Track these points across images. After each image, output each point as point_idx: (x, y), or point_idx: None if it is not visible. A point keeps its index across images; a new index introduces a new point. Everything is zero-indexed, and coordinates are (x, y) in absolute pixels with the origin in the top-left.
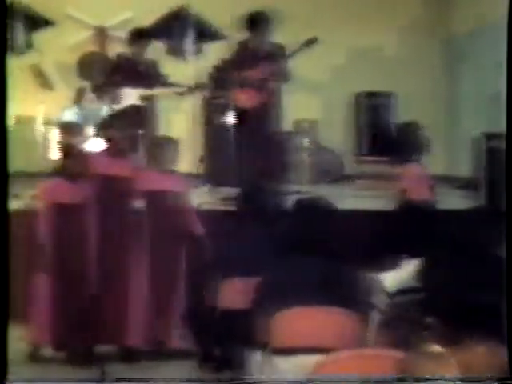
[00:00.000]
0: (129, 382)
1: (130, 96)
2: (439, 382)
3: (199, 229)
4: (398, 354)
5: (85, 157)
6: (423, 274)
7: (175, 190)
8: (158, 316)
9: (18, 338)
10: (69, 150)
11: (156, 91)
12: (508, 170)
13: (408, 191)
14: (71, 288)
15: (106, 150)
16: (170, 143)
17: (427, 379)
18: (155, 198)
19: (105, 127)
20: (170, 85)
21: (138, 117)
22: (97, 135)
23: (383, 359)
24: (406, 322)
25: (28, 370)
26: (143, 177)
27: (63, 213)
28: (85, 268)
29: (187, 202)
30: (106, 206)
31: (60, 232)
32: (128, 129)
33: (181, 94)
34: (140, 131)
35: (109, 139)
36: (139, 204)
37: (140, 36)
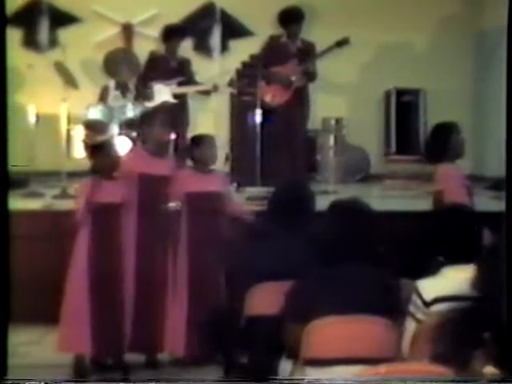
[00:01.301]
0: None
1: (163, 94)
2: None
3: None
4: (444, 371)
5: (118, 155)
6: (469, 282)
7: (216, 190)
8: (195, 323)
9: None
10: (100, 149)
11: (189, 89)
12: (508, 169)
13: (444, 193)
14: (108, 294)
15: (144, 148)
16: (208, 141)
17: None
18: (195, 199)
19: (142, 125)
20: (201, 83)
21: (173, 115)
22: (127, 133)
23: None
24: (453, 336)
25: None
26: (182, 177)
27: (103, 212)
28: (122, 273)
29: (228, 202)
30: (145, 206)
31: (99, 232)
32: (165, 127)
33: (210, 92)
34: (175, 130)
35: (145, 138)
36: (178, 205)
37: (173, 33)
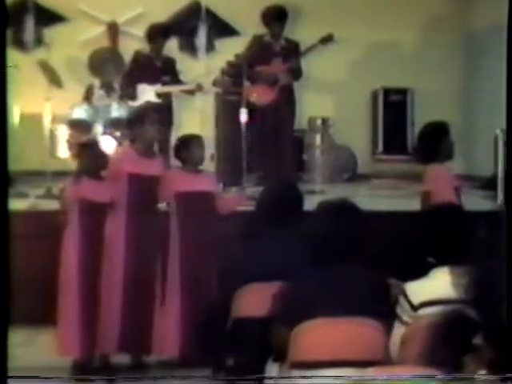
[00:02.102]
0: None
1: (147, 93)
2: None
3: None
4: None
5: (106, 154)
6: (458, 284)
7: (206, 189)
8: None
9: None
10: (88, 148)
11: (174, 88)
12: (508, 169)
13: (433, 193)
14: (99, 295)
15: (133, 148)
16: (197, 141)
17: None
18: (185, 199)
19: (131, 124)
20: (185, 82)
21: (159, 114)
22: (111, 133)
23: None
24: (441, 340)
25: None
26: (171, 177)
27: (91, 212)
28: (112, 274)
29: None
30: (135, 206)
31: (88, 232)
32: (155, 126)
33: (195, 91)
34: (160, 129)
35: (134, 137)
36: (168, 205)
37: (158, 32)
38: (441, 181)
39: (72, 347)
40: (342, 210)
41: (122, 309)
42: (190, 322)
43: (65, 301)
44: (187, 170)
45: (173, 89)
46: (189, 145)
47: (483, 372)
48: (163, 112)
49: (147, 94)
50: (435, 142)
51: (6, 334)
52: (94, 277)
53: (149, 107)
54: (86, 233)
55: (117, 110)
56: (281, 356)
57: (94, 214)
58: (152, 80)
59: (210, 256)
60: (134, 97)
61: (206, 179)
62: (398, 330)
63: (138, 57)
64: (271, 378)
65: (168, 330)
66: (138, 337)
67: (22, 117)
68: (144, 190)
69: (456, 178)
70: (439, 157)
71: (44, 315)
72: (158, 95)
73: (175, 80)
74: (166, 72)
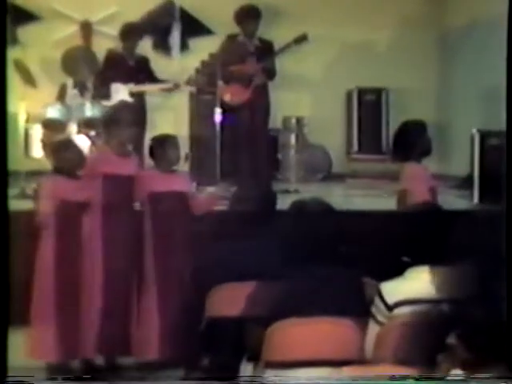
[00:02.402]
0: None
1: (120, 92)
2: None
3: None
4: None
5: (83, 153)
6: (433, 284)
7: (180, 189)
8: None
9: None
10: (64, 146)
11: (148, 87)
12: (508, 169)
13: (409, 192)
14: (76, 296)
15: (109, 147)
16: (172, 141)
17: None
18: (159, 200)
19: (105, 124)
20: (161, 81)
21: (133, 114)
22: (85, 132)
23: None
24: (415, 339)
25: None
26: (146, 177)
27: (67, 212)
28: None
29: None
30: (110, 206)
31: (64, 232)
32: (130, 126)
33: (170, 90)
34: (135, 129)
35: (109, 137)
36: (141, 206)
37: (131, 32)
38: (417, 180)
39: (47, 350)
40: (316, 210)
41: (100, 309)
42: (166, 323)
43: (40, 302)
44: (161, 170)
45: (148, 88)
46: (163, 145)
47: (457, 371)
48: (137, 112)
49: (121, 93)
50: (412, 140)
51: (6, 334)
52: (71, 277)
53: (123, 107)
54: (63, 232)
55: (90, 110)
56: (255, 355)
57: (71, 214)
58: (125, 79)
59: (184, 256)
60: (107, 96)
61: (180, 179)
62: (373, 330)
63: (110, 56)
64: (243, 377)
65: (145, 331)
66: (115, 338)
67: None
68: (119, 189)
69: (432, 178)
70: (416, 155)
71: (17, 315)
72: (132, 94)
73: (150, 79)
74: (139, 71)
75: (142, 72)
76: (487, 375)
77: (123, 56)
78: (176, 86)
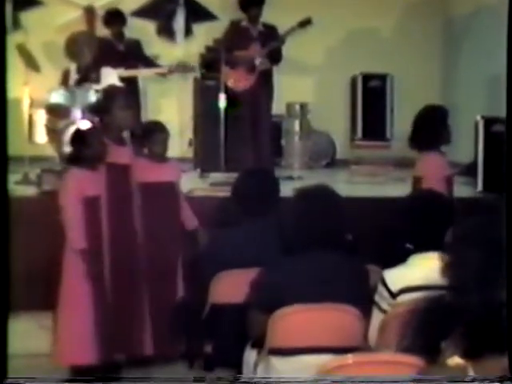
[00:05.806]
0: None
1: (110, 77)
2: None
3: (193, 221)
4: (414, 361)
5: (105, 143)
6: (437, 271)
7: (169, 180)
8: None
9: None
10: (86, 136)
11: (139, 72)
12: (508, 159)
13: (424, 180)
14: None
15: (106, 136)
16: (159, 128)
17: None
18: (150, 190)
19: (98, 110)
20: (156, 65)
21: (123, 99)
22: (90, 118)
23: (395, 365)
24: (419, 327)
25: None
26: (138, 166)
27: (91, 207)
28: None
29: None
30: (113, 197)
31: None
32: (120, 111)
33: (163, 74)
34: (127, 114)
35: (106, 124)
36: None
37: (113, 17)
38: (434, 168)
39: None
40: (320, 196)
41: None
42: (159, 315)
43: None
44: (152, 158)
45: (140, 72)
46: (152, 132)
47: (457, 358)
48: (128, 96)
49: (110, 77)
50: (435, 127)
51: (6, 334)
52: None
53: (115, 92)
54: (90, 229)
55: (94, 95)
56: (259, 342)
57: (92, 209)
58: (114, 64)
59: (175, 247)
60: (97, 81)
61: (170, 169)
62: (377, 317)
63: (100, 40)
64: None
65: (138, 325)
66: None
67: None
68: (118, 179)
69: (449, 167)
70: (437, 143)
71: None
72: (122, 79)
73: (143, 63)
74: (129, 55)
75: (132, 56)
76: (487, 376)
77: (111, 41)
78: (170, 72)
